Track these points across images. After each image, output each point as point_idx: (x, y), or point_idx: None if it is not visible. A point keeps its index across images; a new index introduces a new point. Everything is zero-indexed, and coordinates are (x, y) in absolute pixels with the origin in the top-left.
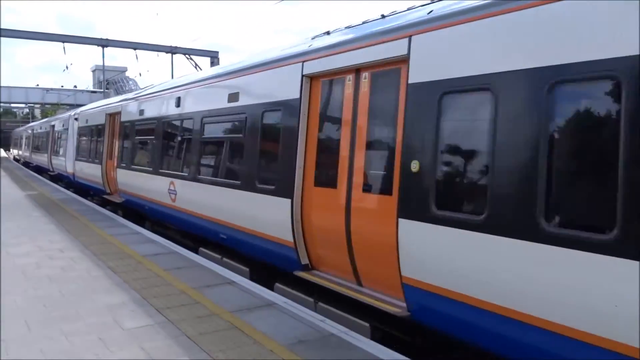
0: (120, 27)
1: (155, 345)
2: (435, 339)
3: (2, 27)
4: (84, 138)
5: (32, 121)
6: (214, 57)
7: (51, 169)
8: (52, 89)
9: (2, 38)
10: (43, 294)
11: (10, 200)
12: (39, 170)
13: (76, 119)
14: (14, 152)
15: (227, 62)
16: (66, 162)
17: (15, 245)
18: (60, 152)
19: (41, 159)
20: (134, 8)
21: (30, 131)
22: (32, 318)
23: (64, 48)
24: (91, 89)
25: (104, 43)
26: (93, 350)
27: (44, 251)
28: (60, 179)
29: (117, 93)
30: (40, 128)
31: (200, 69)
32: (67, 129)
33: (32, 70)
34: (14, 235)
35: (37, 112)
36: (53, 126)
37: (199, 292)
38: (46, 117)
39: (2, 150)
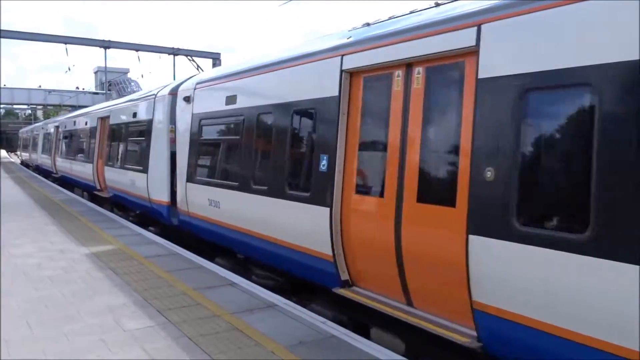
0: (123, 28)
1: (156, 346)
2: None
3: (4, 28)
4: (223, 138)
5: (35, 122)
6: (215, 59)
7: (99, 187)
8: (54, 90)
9: (5, 39)
10: (44, 294)
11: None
12: (59, 180)
13: (186, 99)
14: (23, 155)
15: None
16: (150, 182)
17: (17, 246)
18: (129, 163)
19: (77, 169)
20: (136, 9)
21: (52, 129)
22: (33, 319)
23: (66, 49)
24: (93, 90)
25: (106, 44)
26: (94, 351)
27: (45, 252)
28: (122, 206)
29: (119, 95)
30: (75, 123)
31: (203, 70)
32: (153, 121)
33: (35, 70)
34: (15, 236)
35: (39, 113)
36: (105, 119)
37: (200, 294)
38: (49, 118)
39: (4, 151)
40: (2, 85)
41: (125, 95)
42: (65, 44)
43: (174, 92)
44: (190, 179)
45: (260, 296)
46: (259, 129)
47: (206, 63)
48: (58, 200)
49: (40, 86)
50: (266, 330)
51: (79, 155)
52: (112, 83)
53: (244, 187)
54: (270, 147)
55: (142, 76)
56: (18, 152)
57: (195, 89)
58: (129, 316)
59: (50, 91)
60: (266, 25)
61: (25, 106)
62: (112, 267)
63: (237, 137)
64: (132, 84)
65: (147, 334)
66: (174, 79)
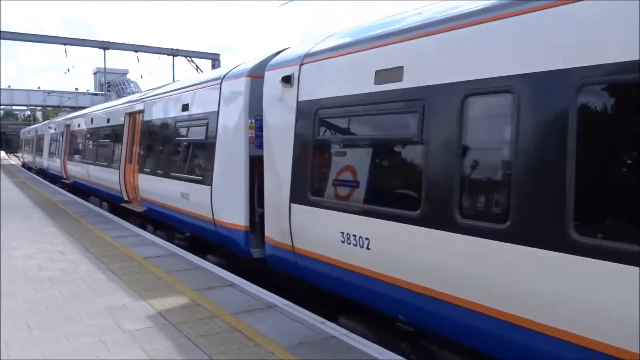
0: (122, 29)
1: (156, 347)
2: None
3: (4, 29)
4: (373, 136)
5: (34, 123)
6: (215, 60)
7: (127, 198)
8: (53, 91)
9: (4, 40)
10: (44, 295)
11: None
12: (69, 187)
13: (286, 80)
14: (25, 157)
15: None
16: (216, 198)
17: (17, 247)
18: (179, 171)
19: (97, 175)
20: (135, 9)
21: (61, 127)
22: (33, 320)
23: (65, 50)
24: (92, 91)
25: (105, 45)
26: (94, 352)
27: (45, 253)
28: (160, 224)
29: (119, 96)
30: (92, 120)
31: (202, 72)
32: (218, 115)
33: (35, 71)
34: (14, 237)
35: (39, 114)
36: (136, 114)
37: (200, 294)
38: (47, 119)
39: (3, 152)
40: (6, 86)
41: (124, 97)
42: (65, 45)
43: (256, 74)
44: (298, 197)
45: (260, 297)
46: (476, 120)
47: (205, 64)
48: (57, 201)
49: (39, 87)
50: (266, 330)
51: (99, 159)
52: (112, 84)
53: (437, 220)
54: (518, 150)
55: (141, 77)
56: (19, 154)
57: (302, 64)
58: (129, 317)
59: (49, 92)
60: (265, 26)
61: (24, 107)
62: (111, 268)
63: (409, 134)
64: (132, 84)
65: (147, 335)
66: (174, 80)
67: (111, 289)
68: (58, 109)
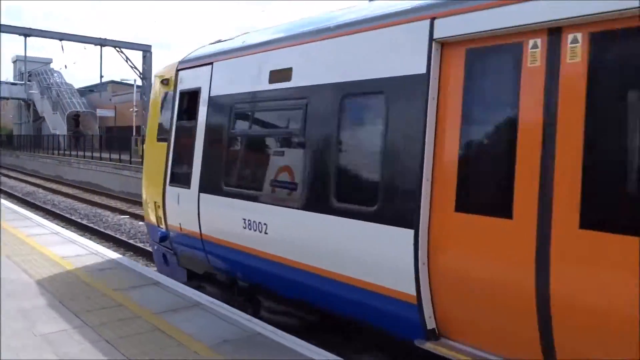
0: (47, 15)
1: (70, 350)
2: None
3: None
4: None
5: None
6: (146, 52)
7: None
8: None
9: None
10: None
11: None
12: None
13: None
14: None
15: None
16: None
17: None
18: None
19: None
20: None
21: None
22: None
23: None
24: (11, 80)
25: (26, 32)
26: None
27: None
28: None
29: (40, 86)
30: None
31: (132, 64)
32: None
33: None
34: None
35: None
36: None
37: (122, 294)
38: None
39: None
40: None
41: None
42: None
43: None
44: None
45: (185, 295)
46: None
47: (136, 56)
48: None
49: None
50: (190, 329)
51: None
52: (33, 73)
53: None
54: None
55: (65, 67)
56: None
57: None
58: (42, 320)
59: None
60: (201, 22)
61: None
62: (25, 268)
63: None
64: (55, 74)
65: (60, 338)
66: (101, 73)
67: (24, 290)
68: None
